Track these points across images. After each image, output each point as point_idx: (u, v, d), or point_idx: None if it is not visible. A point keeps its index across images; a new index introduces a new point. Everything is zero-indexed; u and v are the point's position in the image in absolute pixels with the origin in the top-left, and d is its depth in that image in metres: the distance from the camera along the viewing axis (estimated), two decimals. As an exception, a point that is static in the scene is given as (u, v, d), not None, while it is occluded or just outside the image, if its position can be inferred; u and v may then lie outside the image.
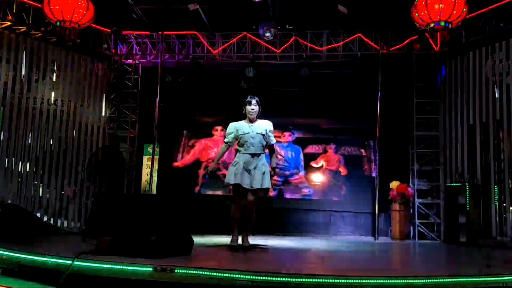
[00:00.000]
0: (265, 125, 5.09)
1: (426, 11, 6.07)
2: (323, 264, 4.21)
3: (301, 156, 9.90)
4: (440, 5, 5.97)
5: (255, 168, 4.92)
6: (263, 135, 5.03)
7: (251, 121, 5.06)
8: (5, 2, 7.43)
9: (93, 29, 8.55)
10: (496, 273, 3.23)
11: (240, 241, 5.06)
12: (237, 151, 5.13)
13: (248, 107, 5.04)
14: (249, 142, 4.97)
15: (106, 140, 9.06)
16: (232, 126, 5.12)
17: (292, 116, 9.91)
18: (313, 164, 9.82)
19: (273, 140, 5.14)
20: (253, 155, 4.95)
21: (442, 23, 6.07)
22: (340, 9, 7.69)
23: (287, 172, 9.71)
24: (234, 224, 5.05)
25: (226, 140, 5.13)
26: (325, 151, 9.95)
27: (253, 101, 5.04)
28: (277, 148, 5.15)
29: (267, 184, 4.98)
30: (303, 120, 10.21)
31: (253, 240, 5.36)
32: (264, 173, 4.96)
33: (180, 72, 9.74)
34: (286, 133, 9.90)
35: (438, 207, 8.31)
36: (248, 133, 4.99)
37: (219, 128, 10.08)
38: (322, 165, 9.88)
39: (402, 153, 8.87)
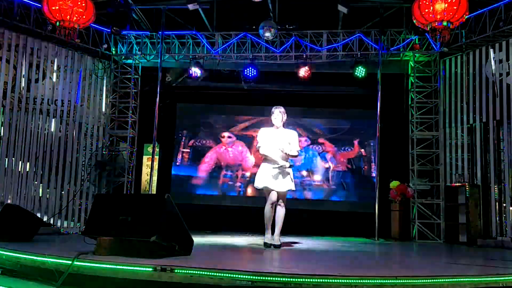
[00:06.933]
0: (289, 135, 5.53)
1: (428, 10, 6.04)
2: (323, 264, 4.21)
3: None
4: (444, 5, 5.94)
5: (280, 172, 5.34)
6: (289, 143, 5.45)
7: (277, 128, 5.51)
8: (6, 2, 7.43)
9: (93, 29, 8.54)
10: (496, 273, 3.23)
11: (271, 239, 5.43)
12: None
13: (272, 117, 5.52)
14: (273, 150, 5.39)
15: (106, 140, 9.06)
16: (263, 132, 5.56)
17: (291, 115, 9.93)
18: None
19: (297, 148, 5.53)
20: (277, 161, 5.34)
21: (445, 23, 6.03)
22: (340, 9, 7.68)
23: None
24: (268, 222, 5.42)
25: (260, 145, 5.49)
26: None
27: (276, 111, 5.51)
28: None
29: (293, 186, 5.46)
30: (303, 119, 10.24)
31: (254, 240, 5.37)
32: (290, 176, 5.43)
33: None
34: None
35: (438, 207, 8.30)
36: (274, 141, 5.41)
37: (226, 134, 10.15)
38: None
39: (402, 153, 8.87)
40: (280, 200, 5.42)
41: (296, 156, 5.65)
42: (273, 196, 5.33)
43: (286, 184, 5.38)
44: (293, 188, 5.50)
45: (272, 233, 5.46)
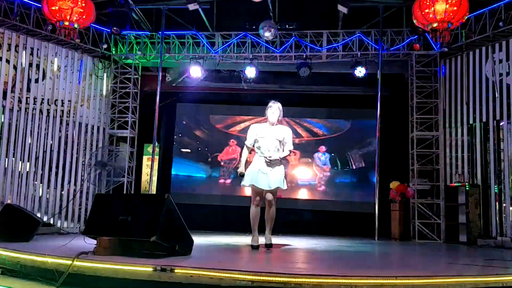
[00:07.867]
0: (283, 132, 5.28)
1: (429, 10, 6.04)
2: (323, 264, 4.21)
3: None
4: (445, 5, 5.94)
5: (271, 170, 5.11)
6: (280, 141, 5.23)
7: (272, 124, 5.25)
8: (6, 2, 7.43)
9: (93, 29, 8.54)
10: (496, 273, 3.23)
11: (261, 240, 5.25)
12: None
13: (269, 111, 5.23)
14: (265, 146, 5.18)
15: (106, 140, 9.06)
16: (253, 129, 5.31)
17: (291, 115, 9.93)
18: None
19: (291, 147, 5.31)
20: (269, 159, 5.11)
21: (445, 24, 6.03)
22: (340, 9, 7.68)
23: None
24: (254, 223, 5.22)
25: (247, 142, 5.31)
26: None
27: (274, 106, 5.24)
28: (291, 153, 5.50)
29: (283, 185, 5.17)
30: (303, 119, 10.24)
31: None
32: (280, 174, 5.16)
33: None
34: None
35: (438, 207, 8.30)
36: (266, 137, 5.19)
37: (234, 142, 10.20)
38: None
39: (402, 153, 8.86)
40: (271, 198, 5.16)
41: (288, 155, 5.42)
42: (259, 197, 5.15)
43: (276, 182, 5.09)
44: (284, 187, 5.19)
45: (262, 232, 5.31)
